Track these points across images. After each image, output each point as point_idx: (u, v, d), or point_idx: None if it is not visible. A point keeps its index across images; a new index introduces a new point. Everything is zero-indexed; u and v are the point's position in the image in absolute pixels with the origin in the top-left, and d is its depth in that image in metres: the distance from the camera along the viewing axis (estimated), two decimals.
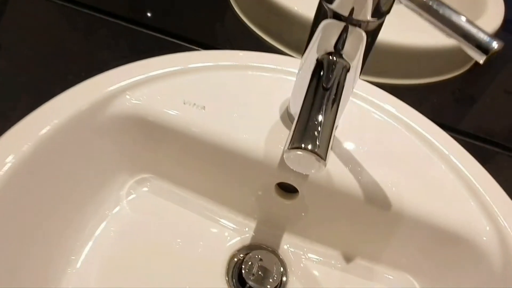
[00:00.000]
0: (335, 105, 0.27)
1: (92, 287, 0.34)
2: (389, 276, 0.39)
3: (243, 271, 0.38)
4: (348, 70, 0.29)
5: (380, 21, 0.27)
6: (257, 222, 0.42)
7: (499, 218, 0.32)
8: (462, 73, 0.56)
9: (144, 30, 0.51)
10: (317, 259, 0.40)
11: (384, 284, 0.38)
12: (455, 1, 0.30)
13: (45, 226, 0.33)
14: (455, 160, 0.36)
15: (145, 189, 0.42)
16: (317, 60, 0.29)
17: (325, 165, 0.24)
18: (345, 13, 0.26)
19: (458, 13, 0.22)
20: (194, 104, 0.37)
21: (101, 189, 0.39)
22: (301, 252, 0.40)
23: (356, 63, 0.30)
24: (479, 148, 0.45)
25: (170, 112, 0.36)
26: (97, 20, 0.52)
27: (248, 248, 0.41)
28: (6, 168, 0.29)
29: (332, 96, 0.27)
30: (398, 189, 0.34)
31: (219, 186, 0.40)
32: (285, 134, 0.36)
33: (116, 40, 0.49)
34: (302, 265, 0.40)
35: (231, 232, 0.41)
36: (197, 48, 0.49)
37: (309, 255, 0.40)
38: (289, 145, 0.24)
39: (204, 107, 0.37)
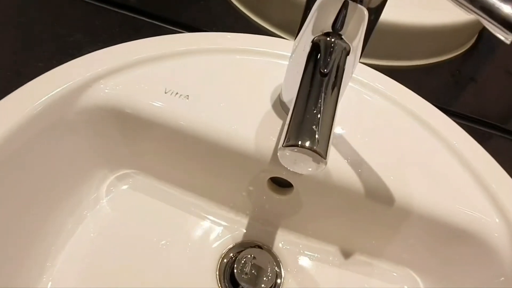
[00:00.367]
0: (334, 93, 0.24)
1: None
2: (391, 273, 0.36)
3: (235, 271, 0.35)
4: (348, 53, 0.26)
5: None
6: (249, 218, 0.39)
7: (510, 212, 0.30)
8: (461, 53, 0.53)
9: (122, 11, 0.47)
10: (314, 256, 0.38)
11: (386, 281, 0.36)
12: None
13: (15, 231, 0.30)
14: (461, 149, 0.33)
15: (127, 185, 0.38)
16: (313, 41, 0.26)
17: (326, 164, 0.21)
18: None
19: None
20: (177, 93, 0.33)
21: (78, 188, 0.35)
22: (297, 249, 0.38)
23: (356, 44, 0.26)
24: (482, 133, 0.42)
25: (150, 102, 0.32)
26: (70, 1, 0.47)
27: (241, 246, 0.38)
28: None
29: (331, 82, 0.24)
30: (401, 182, 0.31)
31: (208, 181, 0.37)
32: (277, 125, 0.33)
33: (91, 22, 0.45)
34: (298, 263, 0.37)
35: (221, 229, 0.38)
36: (180, 30, 0.45)
37: (306, 252, 0.38)
38: (283, 142, 0.21)
39: (187, 96, 0.33)
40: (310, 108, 0.22)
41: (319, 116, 0.22)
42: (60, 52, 0.41)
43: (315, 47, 0.26)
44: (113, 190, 0.38)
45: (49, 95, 0.30)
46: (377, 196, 0.31)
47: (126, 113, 0.32)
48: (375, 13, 0.25)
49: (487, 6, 0.18)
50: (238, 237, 0.38)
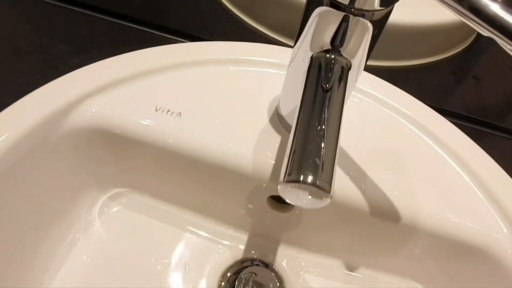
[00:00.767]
0: (337, 115, 0.22)
1: None
2: (397, 287, 0.35)
3: None
4: (349, 69, 0.24)
5: (389, 9, 0.22)
6: (249, 234, 0.37)
7: None
8: (462, 49, 0.51)
9: (107, 17, 0.45)
10: (317, 271, 0.36)
11: None
12: None
13: (5, 260, 0.28)
14: (469, 160, 0.32)
15: (120, 205, 0.37)
16: (312, 58, 0.24)
17: (331, 199, 0.19)
18: (344, 0, 0.21)
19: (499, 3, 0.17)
20: (168, 110, 0.31)
21: (68, 212, 0.34)
22: (299, 265, 0.36)
23: (359, 61, 0.24)
24: (488, 135, 0.41)
25: (139, 122, 0.31)
26: (52, 8, 0.45)
27: (241, 264, 0.37)
28: None
29: (333, 103, 0.22)
30: (406, 197, 0.30)
31: (204, 198, 0.36)
32: (275, 140, 0.31)
33: (75, 31, 0.43)
34: (300, 279, 0.36)
35: (220, 247, 0.37)
36: (170, 36, 0.43)
37: (308, 267, 0.36)
38: (284, 176, 0.19)
39: (180, 113, 0.31)
40: (311, 136, 0.20)
41: (322, 144, 0.20)
42: (43, 65, 0.39)
43: (314, 64, 0.24)
44: (106, 210, 0.36)
45: (32, 119, 0.28)
46: (381, 213, 0.30)
47: (115, 134, 0.31)
48: (378, 26, 0.23)
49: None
50: (238, 254, 0.37)
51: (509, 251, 0.29)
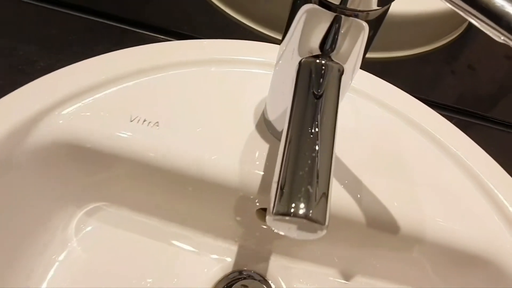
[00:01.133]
0: (330, 128, 0.20)
1: None
2: None
3: None
4: (341, 75, 0.22)
5: (385, 7, 0.19)
6: (239, 246, 0.35)
7: None
8: (456, 37, 0.49)
9: (77, 13, 0.41)
10: (312, 282, 0.34)
11: None
12: None
13: None
14: (469, 162, 0.30)
15: (99, 220, 0.34)
16: (300, 64, 0.22)
17: (326, 230, 0.17)
18: (335, 0, 0.18)
19: None
20: (145, 120, 0.28)
21: (42, 231, 0.31)
22: (293, 276, 0.35)
23: (352, 66, 0.22)
24: (486, 130, 0.39)
25: (113, 134, 0.28)
26: (17, 5, 0.41)
27: (231, 277, 0.35)
28: None
29: (326, 113, 0.20)
30: (405, 207, 0.28)
31: (190, 210, 0.33)
32: (263, 148, 0.29)
33: (43, 30, 0.39)
34: None
35: (209, 260, 0.34)
36: (147, 33, 0.40)
37: (302, 277, 0.35)
38: (273, 207, 0.17)
39: (157, 123, 0.28)
40: (303, 157, 0.18)
41: (315, 167, 0.17)
42: (9, 70, 0.35)
43: (303, 71, 0.21)
44: (83, 227, 0.33)
45: None
46: (379, 224, 0.28)
47: (86, 148, 0.28)
48: (374, 26, 0.20)
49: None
50: (227, 267, 0.35)
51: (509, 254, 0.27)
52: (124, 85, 0.30)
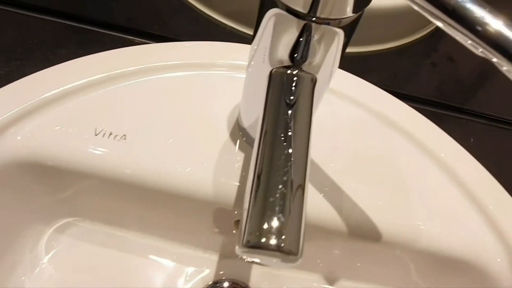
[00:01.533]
0: (303, 145, 0.18)
1: None
2: None
3: None
4: (315, 84, 0.20)
5: (358, 14, 0.18)
6: (219, 255, 0.34)
7: (509, 234, 0.27)
8: (434, 29, 0.48)
9: (39, 15, 0.38)
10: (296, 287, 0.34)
11: None
12: None
13: None
14: (452, 163, 0.29)
15: (70, 236, 0.32)
16: (271, 75, 0.20)
17: (300, 260, 0.16)
18: (302, 7, 0.17)
19: (488, 11, 0.13)
20: (111, 133, 0.27)
21: (9, 252, 0.29)
22: (278, 283, 0.34)
23: (327, 74, 0.21)
24: (465, 122, 0.38)
25: (77, 150, 0.26)
26: None
27: (213, 287, 0.34)
28: None
29: (299, 130, 0.19)
30: (386, 213, 0.27)
31: (166, 223, 0.32)
32: (238, 158, 0.28)
33: (2, 34, 0.37)
34: None
35: (189, 270, 0.33)
36: (112, 33, 0.37)
37: (288, 285, 0.34)
38: (242, 239, 0.15)
39: (124, 135, 0.27)
40: (274, 183, 0.16)
41: (287, 193, 0.16)
42: None
43: (274, 83, 0.20)
44: (54, 245, 0.32)
45: None
46: (361, 233, 0.27)
47: (49, 166, 0.26)
48: (348, 33, 0.19)
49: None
50: (209, 277, 0.34)
51: (498, 260, 0.27)
52: (88, 95, 0.28)
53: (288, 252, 0.15)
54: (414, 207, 0.28)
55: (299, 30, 0.18)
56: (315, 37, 0.18)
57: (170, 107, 0.29)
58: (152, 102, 0.29)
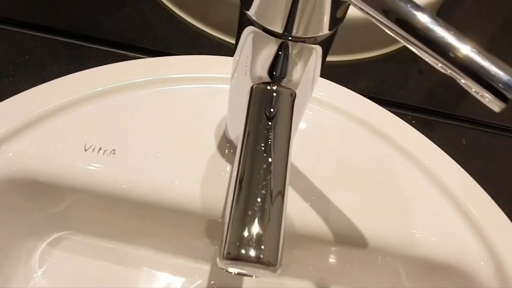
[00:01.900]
0: (283, 156, 0.19)
1: None
2: None
3: None
4: (294, 98, 0.21)
5: (333, 31, 0.19)
6: (211, 264, 0.34)
7: (492, 238, 0.27)
8: None
9: (29, 32, 0.39)
10: None
11: None
12: None
13: None
14: (436, 169, 0.30)
15: (63, 250, 0.33)
16: (252, 90, 0.21)
17: (279, 270, 0.16)
18: (277, 28, 0.18)
19: (457, 35, 0.14)
20: (100, 148, 0.27)
21: (3, 265, 0.30)
22: None
23: (308, 87, 0.21)
24: (452, 128, 0.39)
25: (66, 166, 0.27)
26: None
27: None
28: None
29: (279, 142, 0.19)
30: (372, 221, 0.28)
31: (157, 234, 0.32)
32: (226, 170, 0.28)
33: None
34: None
35: (182, 281, 0.34)
36: (103, 48, 0.38)
37: None
38: (223, 251, 0.16)
39: (114, 150, 0.27)
40: (254, 194, 0.17)
41: (266, 205, 0.17)
42: None
43: (255, 99, 0.20)
44: (48, 258, 0.32)
45: None
46: (347, 241, 0.28)
47: (40, 182, 0.27)
48: (325, 46, 0.20)
49: (473, 69, 0.13)
50: (200, 286, 0.34)
51: (482, 263, 0.27)
52: (78, 111, 0.29)
53: (267, 263, 0.16)
54: (400, 214, 0.28)
55: (276, 48, 0.19)
56: (292, 54, 0.19)
57: (159, 121, 0.29)
58: (141, 116, 0.29)
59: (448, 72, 0.14)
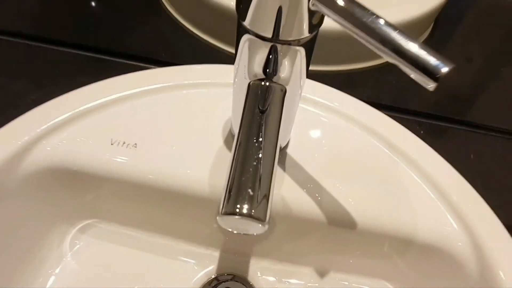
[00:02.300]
0: (273, 138, 0.23)
1: None
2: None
3: None
4: (285, 93, 0.25)
5: (314, 34, 0.23)
6: (220, 250, 0.38)
7: (468, 219, 0.30)
8: None
9: (60, 48, 0.45)
10: (290, 280, 0.37)
11: None
12: None
13: None
14: (418, 160, 0.33)
15: (90, 236, 0.37)
16: (249, 86, 0.25)
17: (267, 226, 0.20)
18: (267, 33, 0.22)
19: (400, 32, 0.18)
20: (124, 142, 0.32)
21: (37, 249, 0.34)
22: (272, 276, 0.37)
23: (296, 83, 0.25)
24: (445, 129, 0.42)
25: (96, 157, 0.31)
26: (2, 43, 0.45)
27: (215, 280, 0.38)
28: None
29: (269, 127, 0.23)
30: (359, 204, 0.31)
31: (172, 221, 0.36)
32: None
33: (31, 65, 0.43)
34: None
35: (193, 266, 0.37)
36: (124, 61, 0.43)
37: (281, 277, 0.38)
38: (221, 208, 0.20)
39: (135, 144, 0.32)
40: (248, 165, 0.21)
41: (258, 173, 0.21)
42: (2, 105, 0.39)
43: (251, 93, 0.25)
44: (77, 243, 0.37)
45: None
46: (338, 222, 0.31)
47: (73, 171, 0.31)
48: (308, 48, 0.24)
49: (409, 55, 0.17)
50: (211, 271, 0.38)
51: (460, 244, 0.30)
52: (103, 113, 0.33)
53: (257, 218, 0.19)
54: (385, 199, 0.32)
55: (268, 50, 0.23)
56: (281, 54, 0.23)
57: (173, 120, 0.34)
58: (158, 116, 0.34)
59: (394, 62, 0.18)
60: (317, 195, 0.31)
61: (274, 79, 0.25)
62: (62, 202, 0.34)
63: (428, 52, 0.17)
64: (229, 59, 0.44)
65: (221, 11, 0.43)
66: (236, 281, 0.37)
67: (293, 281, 0.37)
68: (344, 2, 0.19)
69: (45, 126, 0.32)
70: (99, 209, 0.36)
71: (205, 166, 0.32)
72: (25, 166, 0.30)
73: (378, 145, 0.34)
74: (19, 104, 0.39)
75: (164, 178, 0.31)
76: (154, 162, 0.31)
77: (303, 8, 0.20)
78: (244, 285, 0.37)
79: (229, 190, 0.20)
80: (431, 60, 0.17)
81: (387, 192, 0.32)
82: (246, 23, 0.22)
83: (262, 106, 0.24)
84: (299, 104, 0.36)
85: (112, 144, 0.32)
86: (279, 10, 0.21)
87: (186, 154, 0.32)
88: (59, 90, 0.39)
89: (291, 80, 0.25)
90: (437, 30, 0.56)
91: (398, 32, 0.18)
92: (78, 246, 0.36)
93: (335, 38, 0.43)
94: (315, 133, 0.35)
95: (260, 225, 0.20)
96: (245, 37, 0.23)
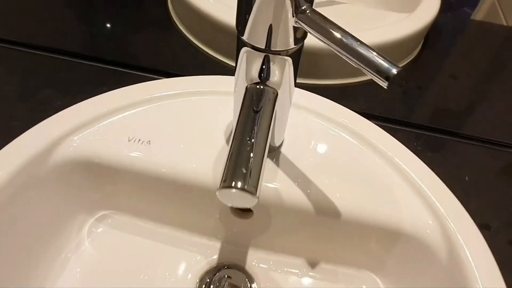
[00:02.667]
0: (264, 131, 0.28)
1: None
2: (354, 277, 0.40)
3: None
4: (276, 96, 0.30)
5: (299, 45, 0.28)
6: (221, 242, 0.42)
7: (440, 210, 0.34)
8: (407, 63, 0.58)
9: (84, 61, 0.51)
10: (284, 269, 0.41)
11: (350, 284, 0.40)
12: None
13: (5, 282, 0.33)
14: (396, 159, 0.38)
15: (107, 225, 0.42)
16: (246, 88, 0.30)
17: (257, 199, 0.24)
18: (261, 45, 0.27)
19: (361, 43, 0.23)
20: (139, 139, 0.37)
21: (59, 234, 0.39)
22: (268, 265, 0.41)
23: (286, 87, 0.30)
24: (434, 139, 0.46)
25: (115, 151, 0.36)
26: (32, 57, 0.51)
27: (216, 269, 0.42)
28: None
29: (262, 123, 0.28)
30: (344, 197, 0.35)
31: (179, 213, 0.41)
32: None
33: (58, 76, 0.49)
34: (270, 277, 0.41)
35: (197, 255, 0.42)
36: (141, 73, 0.49)
37: (276, 267, 0.41)
38: (220, 183, 0.24)
39: (149, 141, 0.37)
40: (242, 150, 0.26)
41: (250, 155, 0.25)
42: (31, 110, 0.44)
43: (248, 94, 0.30)
44: (94, 231, 0.41)
45: (21, 158, 0.34)
46: (324, 212, 0.35)
47: (94, 164, 0.36)
48: (295, 57, 0.29)
49: (369, 61, 0.22)
50: (212, 260, 0.42)
51: (428, 231, 0.34)
52: (122, 114, 0.39)
53: (249, 191, 0.24)
54: (366, 193, 0.36)
55: (262, 59, 0.28)
56: (273, 62, 0.28)
57: (182, 122, 0.39)
58: (167, 118, 0.39)
59: (358, 67, 0.23)
60: (307, 188, 0.36)
61: (268, 83, 0.29)
62: (84, 193, 0.39)
63: (383, 59, 0.22)
64: (231, 71, 0.50)
65: (226, 30, 0.48)
66: (235, 269, 0.41)
67: (286, 270, 0.41)
68: (320, 21, 0.24)
69: (72, 125, 0.37)
70: (115, 201, 0.41)
71: (209, 161, 0.36)
72: (55, 158, 0.35)
73: (362, 148, 0.39)
74: (47, 109, 0.44)
75: (174, 171, 0.36)
76: (165, 157, 0.36)
77: (289, 25, 0.26)
78: (242, 272, 0.41)
79: (226, 169, 0.25)
80: (384, 64, 0.22)
81: (367, 187, 0.36)
82: (244, 37, 0.28)
83: (256, 105, 0.29)
84: (293, 110, 0.41)
85: (129, 141, 0.37)
86: (270, 27, 0.26)
87: (193, 151, 0.37)
88: (82, 98, 0.44)
89: (282, 84, 0.30)
90: (425, 50, 0.61)
91: (360, 44, 0.23)
92: (95, 233, 0.41)
93: (329, 54, 0.48)
94: (306, 135, 0.39)
95: (252, 197, 0.24)
96: (244, 49, 0.28)
